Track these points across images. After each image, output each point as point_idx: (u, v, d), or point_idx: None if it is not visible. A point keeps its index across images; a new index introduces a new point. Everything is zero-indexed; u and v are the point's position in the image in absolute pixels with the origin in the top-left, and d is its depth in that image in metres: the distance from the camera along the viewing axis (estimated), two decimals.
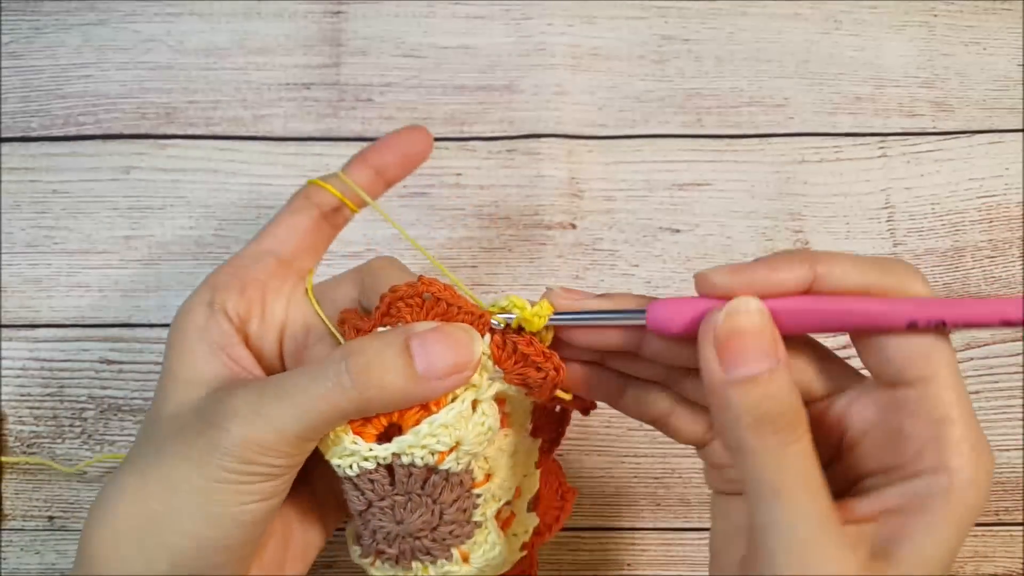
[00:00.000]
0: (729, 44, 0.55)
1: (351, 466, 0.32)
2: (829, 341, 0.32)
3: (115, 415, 0.48)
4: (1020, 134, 0.53)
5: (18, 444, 0.48)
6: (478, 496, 0.34)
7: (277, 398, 0.29)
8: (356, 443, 0.31)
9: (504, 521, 0.37)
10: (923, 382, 0.27)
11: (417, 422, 0.31)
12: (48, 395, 0.49)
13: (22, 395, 0.49)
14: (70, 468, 0.47)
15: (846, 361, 0.31)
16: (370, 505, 0.33)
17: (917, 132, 0.53)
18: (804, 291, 0.28)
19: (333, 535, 0.37)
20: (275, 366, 0.35)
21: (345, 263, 0.49)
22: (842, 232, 0.52)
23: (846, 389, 0.30)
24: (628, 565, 0.48)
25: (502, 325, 0.32)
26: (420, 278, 0.32)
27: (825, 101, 0.54)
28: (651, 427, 0.34)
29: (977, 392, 0.49)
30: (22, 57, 0.54)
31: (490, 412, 0.32)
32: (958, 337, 0.50)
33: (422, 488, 0.33)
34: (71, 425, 0.48)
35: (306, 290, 0.36)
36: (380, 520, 0.33)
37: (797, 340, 0.30)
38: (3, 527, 0.47)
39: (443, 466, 0.32)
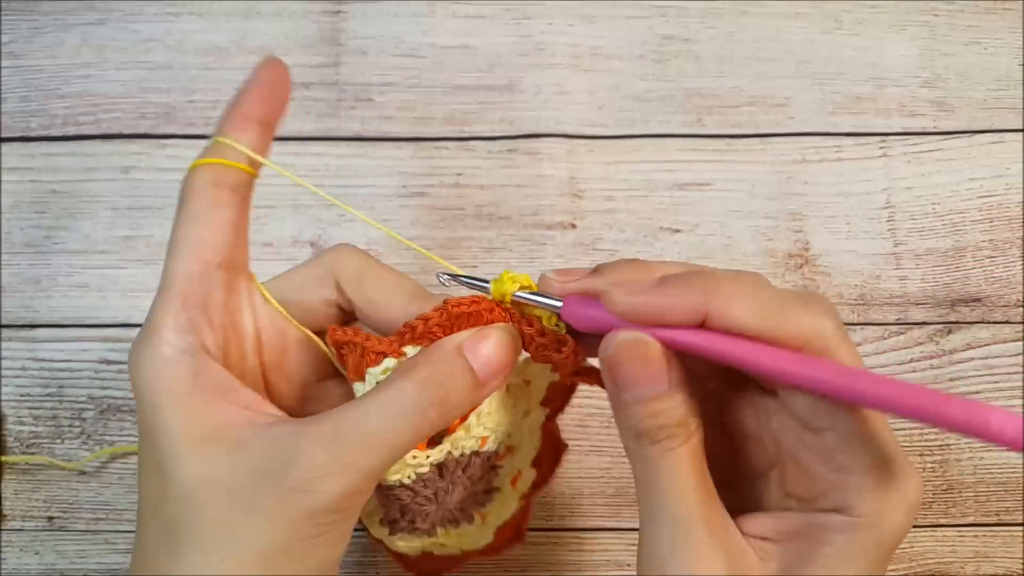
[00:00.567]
0: (729, 44, 0.55)
1: (408, 476, 0.32)
2: None
3: (115, 415, 0.48)
4: (1021, 134, 0.53)
5: (17, 444, 0.48)
6: (501, 467, 0.36)
7: (365, 446, 0.28)
8: (415, 456, 0.32)
9: (512, 479, 0.38)
10: (826, 430, 0.28)
11: (464, 418, 0.32)
12: (47, 395, 0.49)
13: (21, 395, 0.49)
14: (71, 464, 0.47)
15: None
16: (415, 498, 0.33)
17: (918, 132, 0.53)
18: (699, 323, 0.27)
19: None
20: (259, 382, 0.33)
21: None
22: (843, 232, 0.52)
23: (765, 407, 0.30)
24: (628, 565, 0.48)
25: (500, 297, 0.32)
26: (445, 301, 0.31)
27: (826, 101, 0.54)
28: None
29: (977, 392, 0.49)
30: (21, 57, 0.54)
31: (520, 393, 0.34)
32: (958, 338, 0.50)
33: (466, 471, 0.34)
34: (70, 425, 0.48)
35: (265, 296, 0.33)
36: (423, 506, 0.34)
37: None
38: (3, 527, 0.47)
39: (485, 449, 0.34)
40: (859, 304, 0.51)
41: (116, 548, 0.47)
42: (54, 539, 0.47)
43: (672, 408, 0.28)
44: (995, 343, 0.50)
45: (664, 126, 0.53)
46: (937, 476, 0.48)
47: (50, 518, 0.47)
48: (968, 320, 0.50)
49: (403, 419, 0.28)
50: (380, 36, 0.55)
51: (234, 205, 0.31)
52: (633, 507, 0.48)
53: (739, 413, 0.31)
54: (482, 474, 0.35)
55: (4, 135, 0.52)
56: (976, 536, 0.48)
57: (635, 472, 0.29)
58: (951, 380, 0.49)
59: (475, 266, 0.51)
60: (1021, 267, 0.51)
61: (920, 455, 0.49)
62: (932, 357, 0.50)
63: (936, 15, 0.55)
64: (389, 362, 0.31)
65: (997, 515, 0.48)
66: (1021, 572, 0.47)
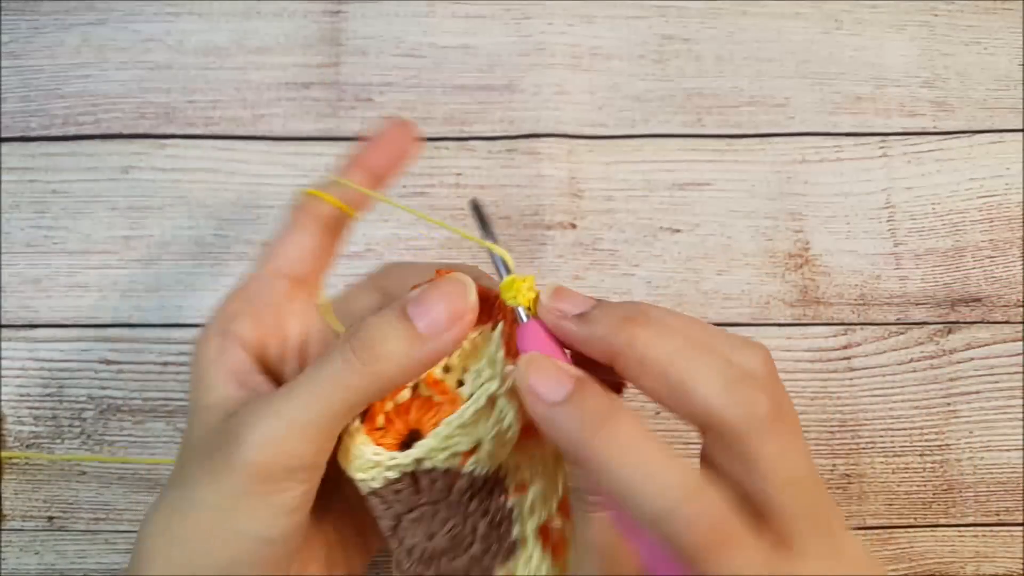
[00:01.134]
0: (729, 44, 0.55)
1: (374, 478, 0.31)
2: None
3: (114, 415, 0.48)
4: (1021, 134, 0.53)
5: (17, 444, 0.48)
6: (511, 509, 0.33)
7: (287, 395, 0.29)
8: (378, 454, 0.31)
9: (555, 545, 0.35)
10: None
11: (436, 424, 0.31)
12: (47, 395, 0.49)
13: (21, 395, 0.49)
14: (70, 456, 0.47)
15: None
16: (399, 520, 0.32)
17: (918, 132, 0.53)
18: (610, 364, 0.29)
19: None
20: None
21: (346, 264, 0.49)
22: (843, 232, 0.52)
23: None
24: None
25: (524, 312, 0.32)
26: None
27: (826, 101, 0.54)
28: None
29: (977, 392, 0.49)
30: (21, 57, 0.54)
31: (508, 410, 0.32)
32: (959, 338, 0.50)
33: (447, 495, 0.32)
34: (70, 425, 0.48)
35: (321, 307, 0.36)
36: (412, 536, 0.32)
37: None
38: (2, 527, 0.47)
39: (466, 469, 0.31)
40: (859, 304, 0.51)
41: (116, 548, 0.47)
42: (54, 539, 0.47)
43: (592, 396, 0.28)
44: (995, 343, 0.50)
45: (664, 126, 0.53)
46: (937, 476, 0.48)
47: (50, 518, 0.47)
48: (968, 320, 0.50)
49: (325, 367, 0.29)
50: (380, 36, 0.55)
51: (313, 232, 0.35)
52: None
53: None
54: (484, 511, 0.33)
55: (4, 135, 0.52)
56: (976, 536, 0.48)
57: (593, 464, 0.27)
58: (951, 380, 0.49)
59: (475, 266, 0.51)
60: (1021, 267, 0.51)
61: (920, 455, 0.49)
62: (932, 357, 0.50)
63: (936, 15, 0.55)
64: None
65: (997, 515, 0.48)
66: (1021, 572, 0.47)
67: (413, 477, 0.32)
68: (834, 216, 0.52)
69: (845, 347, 0.50)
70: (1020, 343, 0.50)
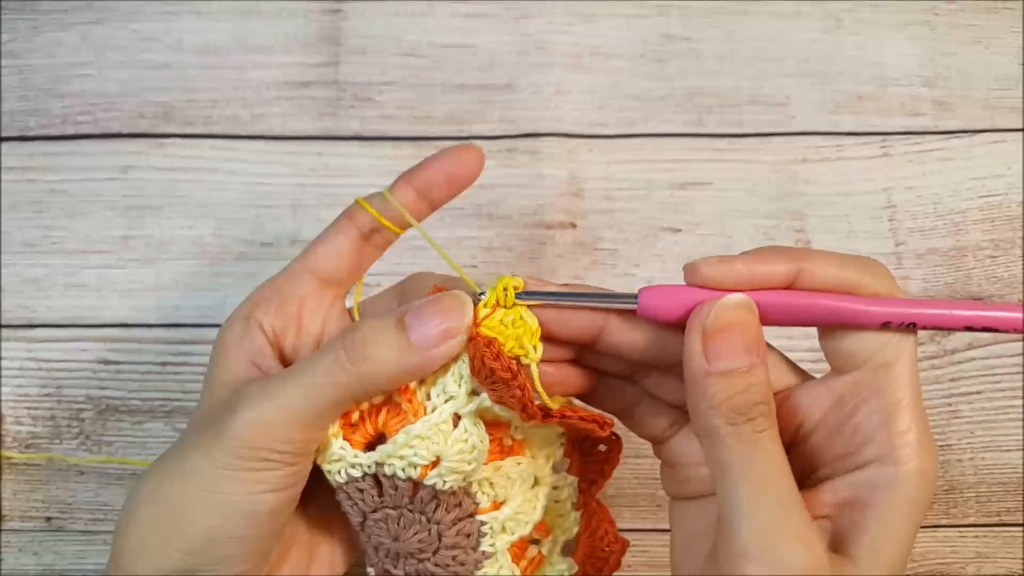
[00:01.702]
0: (730, 43, 0.55)
1: (340, 472, 0.32)
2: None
3: (113, 415, 0.48)
4: (1021, 133, 0.53)
5: (16, 444, 0.48)
6: (483, 523, 0.34)
7: (281, 380, 0.31)
8: (343, 448, 0.32)
9: (531, 561, 0.36)
10: (883, 369, 0.29)
11: (398, 431, 0.31)
12: (46, 395, 0.48)
13: (20, 395, 0.48)
14: (73, 459, 0.47)
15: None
16: (365, 517, 0.33)
17: (919, 131, 0.53)
18: (787, 285, 0.30)
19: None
20: None
21: None
22: (844, 232, 0.51)
23: (798, 384, 0.32)
24: (628, 566, 0.48)
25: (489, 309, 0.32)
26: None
27: (827, 100, 0.54)
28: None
29: (978, 392, 0.49)
30: (20, 56, 0.54)
31: (473, 429, 0.32)
32: (959, 338, 0.50)
33: (411, 503, 0.33)
34: (69, 425, 0.48)
35: (348, 309, 0.37)
36: (378, 535, 0.33)
37: None
38: (1, 527, 0.47)
39: (427, 481, 0.32)
40: None
41: None
42: (52, 539, 0.47)
43: (761, 383, 0.28)
44: (996, 343, 0.50)
45: (665, 125, 0.53)
46: (938, 476, 0.48)
47: (48, 519, 0.47)
48: None
49: (317, 361, 0.30)
50: (380, 35, 0.54)
51: (350, 237, 0.36)
52: (633, 507, 0.48)
53: None
54: (453, 521, 0.33)
55: (3, 134, 0.52)
56: (977, 536, 0.48)
57: (720, 456, 0.28)
58: (952, 380, 0.49)
59: (475, 266, 0.51)
60: (1022, 267, 0.51)
61: None
62: (934, 357, 0.49)
63: (937, 15, 0.55)
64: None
65: (998, 515, 0.48)
66: (1021, 572, 0.47)
67: (376, 479, 0.32)
68: (835, 216, 0.52)
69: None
70: (1020, 343, 0.50)
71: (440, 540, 0.33)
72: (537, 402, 0.31)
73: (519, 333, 0.31)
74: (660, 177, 0.52)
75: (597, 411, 0.34)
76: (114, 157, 0.52)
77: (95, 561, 0.47)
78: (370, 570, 0.35)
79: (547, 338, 0.32)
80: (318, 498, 0.34)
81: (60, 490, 0.47)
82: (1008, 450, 0.49)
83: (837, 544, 0.29)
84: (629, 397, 0.35)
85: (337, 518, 0.35)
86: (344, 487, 0.32)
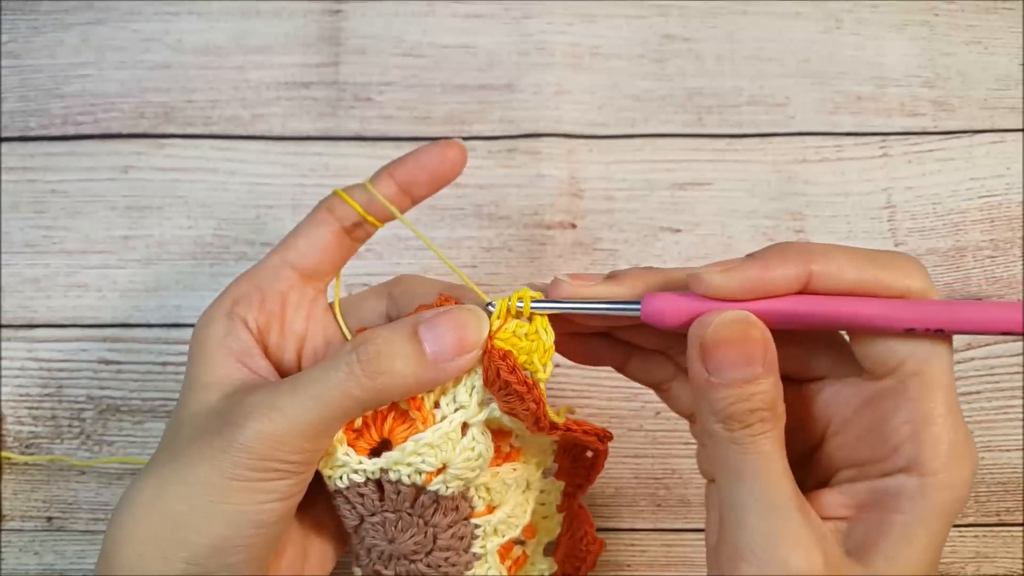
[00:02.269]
0: (730, 43, 0.55)
1: (341, 478, 0.32)
2: None
3: (113, 415, 0.48)
4: (1021, 134, 0.53)
5: (16, 444, 0.48)
6: (477, 526, 0.34)
7: (292, 392, 0.30)
8: (348, 455, 0.32)
9: (515, 561, 0.37)
10: (914, 378, 0.28)
11: (405, 439, 0.31)
12: (47, 395, 0.48)
13: (20, 395, 0.48)
14: (78, 461, 0.47)
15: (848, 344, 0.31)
16: (362, 520, 0.33)
17: (918, 132, 0.53)
18: (799, 290, 0.29)
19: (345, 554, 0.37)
20: (293, 372, 0.35)
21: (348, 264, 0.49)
22: (843, 232, 0.51)
23: (836, 376, 0.31)
24: (628, 566, 0.48)
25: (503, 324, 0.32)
26: (440, 295, 0.32)
27: (826, 100, 0.54)
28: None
29: (978, 392, 0.49)
30: (21, 56, 0.54)
31: (481, 438, 0.32)
32: (958, 338, 0.50)
33: (411, 507, 0.33)
34: (69, 425, 0.48)
35: (329, 304, 0.36)
36: (373, 537, 0.33)
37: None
38: (2, 527, 0.47)
39: (431, 487, 0.32)
40: None
41: None
42: (53, 539, 0.47)
43: (764, 391, 0.28)
44: (995, 343, 0.50)
45: (664, 126, 0.53)
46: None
47: (49, 518, 0.47)
48: None
49: (330, 374, 0.30)
50: (379, 35, 0.54)
51: (331, 229, 0.35)
52: (633, 507, 0.48)
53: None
54: (449, 525, 0.34)
55: (3, 135, 0.52)
56: (976, 536, 0.48)
57: (718, 457, 0.28)
58: None
59: (475, 266, 0.51)
60: (1021, 267, 0.51)
61: None
62: None
63: (936, 15, 0.55)
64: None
65: (997, 515, 0.48)
66: (1021, 572, 0.47)
67: (378, 484, 0.32)
68: (835, 216, 0.52)
69: None
70: (1020, 343, 0.50)
71: (435, 542, 0.34)
72: None
73: (532, 347, 0.31)
74: (660, 177, 0.52)
75: (598, 426, 0.35)
76: (114, 157, 0.52)
77: (96, 561, 0.47)
78: (356, 570, 0.35)
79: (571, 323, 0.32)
80: (310, 497, 0.34)
81: (61, 490, 0.47)
82: (1007, 450, 0.49)
83: (854, 547, 0.28)
84: (663, 372, 0.34)
85: (328, 516, 0.35)
86: (344, 491, 0.32)
